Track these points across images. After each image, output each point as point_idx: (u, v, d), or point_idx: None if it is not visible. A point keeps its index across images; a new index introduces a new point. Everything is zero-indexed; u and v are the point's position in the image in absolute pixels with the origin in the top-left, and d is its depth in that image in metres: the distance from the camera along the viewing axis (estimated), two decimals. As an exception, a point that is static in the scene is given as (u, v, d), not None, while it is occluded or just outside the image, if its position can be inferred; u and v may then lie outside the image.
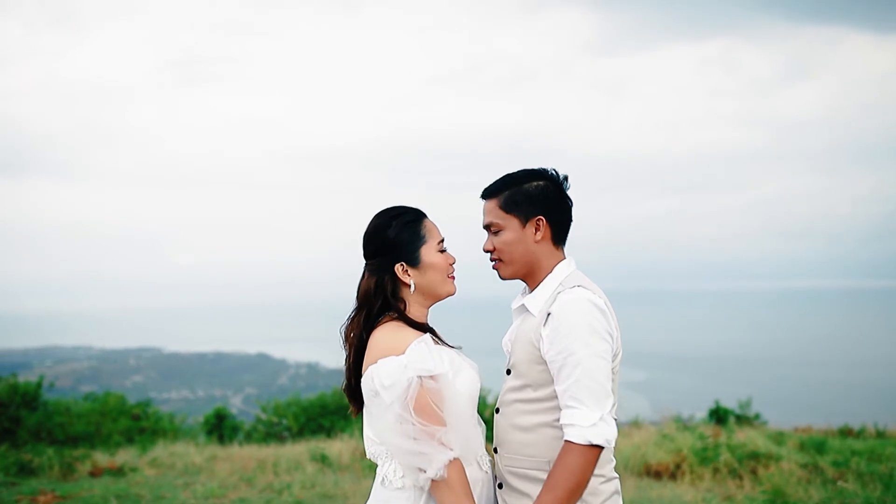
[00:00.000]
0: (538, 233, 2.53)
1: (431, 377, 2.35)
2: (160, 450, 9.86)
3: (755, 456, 7.96)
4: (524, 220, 2.54)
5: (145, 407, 14.98)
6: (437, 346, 2.49)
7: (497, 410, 2.58)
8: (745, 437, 8.92)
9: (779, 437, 9.67)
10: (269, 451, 10.00)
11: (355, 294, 2.57)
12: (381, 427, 2.38)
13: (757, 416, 14.06)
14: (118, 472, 8.53)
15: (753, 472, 7.76)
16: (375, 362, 2.40)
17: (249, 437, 14.00)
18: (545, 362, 2.42)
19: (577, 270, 2.58)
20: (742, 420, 13.50)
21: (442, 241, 2.60)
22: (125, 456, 9.65)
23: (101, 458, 9.27)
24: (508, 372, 2.56)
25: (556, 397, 2.42)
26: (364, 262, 2.60)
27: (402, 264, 2.51)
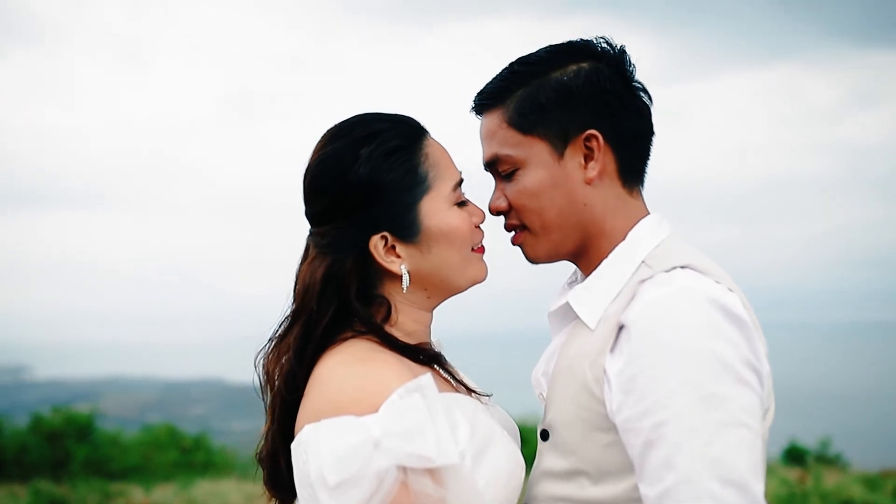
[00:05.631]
0: (591, 164, 1.36)
1: (429, 471, 1.20)
2: (202, 487, 9.50)
3: (849, 506, 7.13)
4: (561, 141, 1.36)
5: (201, 439, 14.79)
6: (446, 394, 1.34)
7: None
8: (833, 482, 8.09)
9: (870, 482, 8.79)
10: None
11: (292, 291, 1.41)
12: None
13: (838, 457, 13.11)
14: (151, 511, 8.14)
15: (848, 525, 6.94)
16: (316, 420, 1.23)
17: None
18: (615, 428, 1.25)
19: (677, 237, 1.40)
20: (822, 461, 12.58)
21: (459, 182, 1.42)
22: (164, 493, 9.30)
23: (138, 494, 8.92)
24: (544, 436, 1.37)
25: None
26: (308, 230, 1.44)
27: (383, 235, 1.36)
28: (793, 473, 9.18)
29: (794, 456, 12.74)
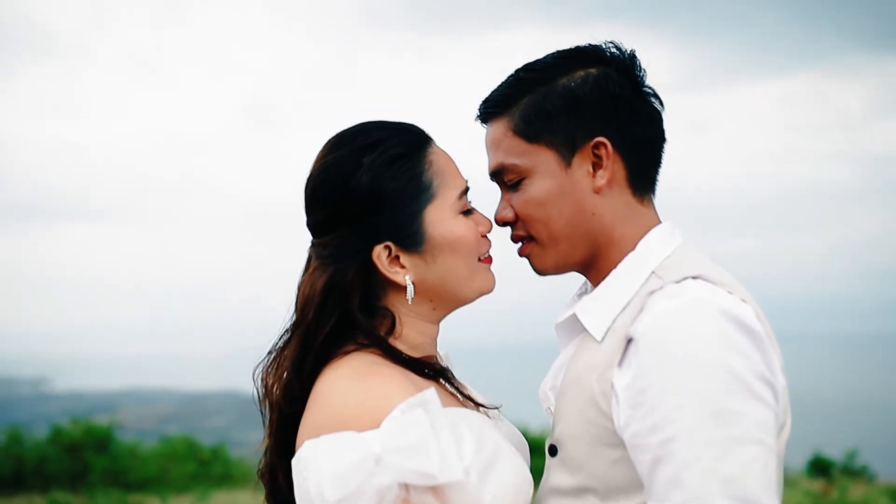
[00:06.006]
0: (600, 172, 1.31)
1: (432, 488, 1.15)
2: (219, 498, 9.53)
3: (876, 519, 6.99)
4: (568, 149, 1.31)
5: (218, 451, 14.82)
6: (451, 408, 1.29)
7: None
8: (859, 494, 7.95)
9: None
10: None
11: (294, 303, 1.37)
12: None
13: (864, 469, 12.90)
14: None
15: (875, 538, 6.80)
16: (316, 436, 1.20)
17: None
18: (623, 444, 1.21)
19: (689, 247, 1.34)
20: (848, 472, 12.38)
21: (465, 190, 1.38)
22: (181, 504, 9.32)
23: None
24: (552, 452, 1.32)
25: None
26: (309, 240, 1.39)
27: (386, 245, 1.32)
28: (817, 485, 9.05)
29: (819, 468, 12.54)
